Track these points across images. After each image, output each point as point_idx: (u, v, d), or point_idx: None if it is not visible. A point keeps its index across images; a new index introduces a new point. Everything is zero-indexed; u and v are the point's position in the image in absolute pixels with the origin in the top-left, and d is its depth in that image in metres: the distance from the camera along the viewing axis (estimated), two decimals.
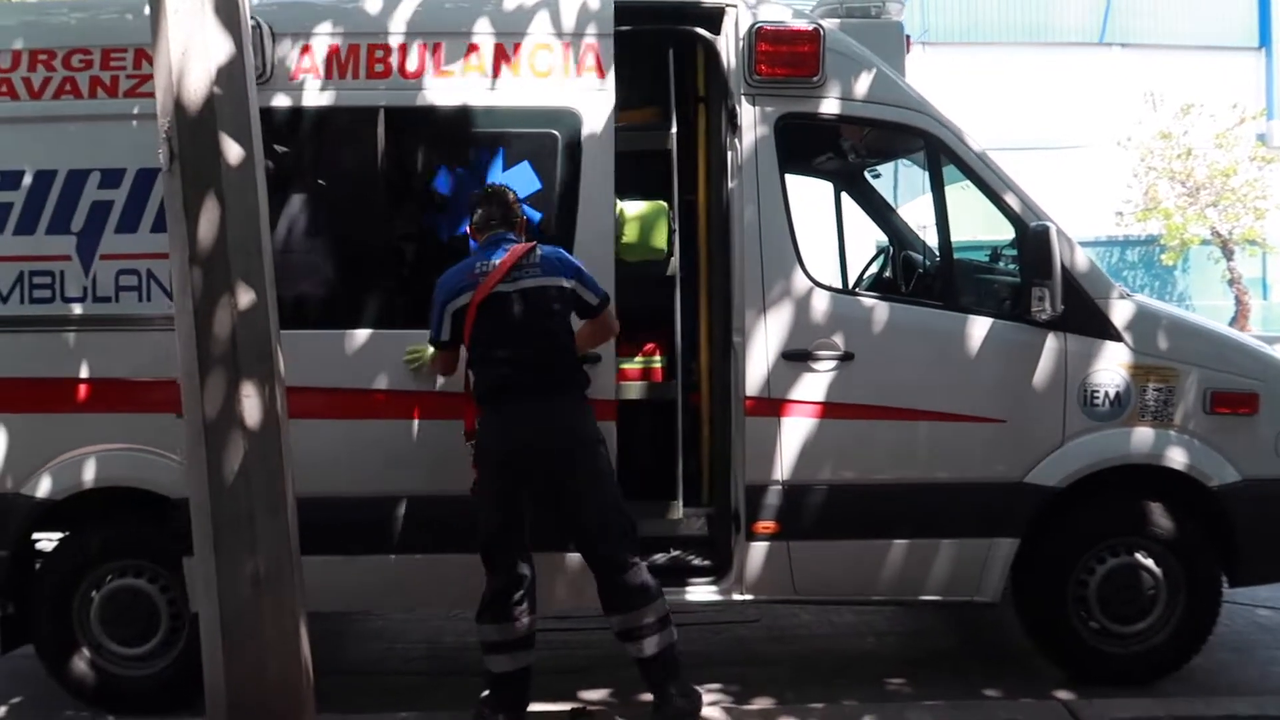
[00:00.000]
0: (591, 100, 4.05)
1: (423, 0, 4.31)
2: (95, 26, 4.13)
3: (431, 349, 4.00)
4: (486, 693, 3.99)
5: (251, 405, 3.60)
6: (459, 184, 4.12)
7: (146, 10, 3.79)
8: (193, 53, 3.56)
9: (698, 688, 4.16)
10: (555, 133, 4.11)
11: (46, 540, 4.33)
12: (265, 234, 3.64)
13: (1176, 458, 4.15)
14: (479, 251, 3.93)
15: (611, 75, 4.15)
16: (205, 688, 3.75)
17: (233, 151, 3.58)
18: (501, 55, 4.16)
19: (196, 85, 3.55)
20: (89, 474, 4.05)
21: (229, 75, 3.57)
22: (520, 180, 4.14)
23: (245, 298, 3.60)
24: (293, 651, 3.75)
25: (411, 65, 4.11)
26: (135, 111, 4.02)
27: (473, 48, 4.14)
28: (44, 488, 4.06)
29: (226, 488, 3.64)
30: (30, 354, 4.02)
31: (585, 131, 4.15)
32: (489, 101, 4.10)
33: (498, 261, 3.84)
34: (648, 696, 4.09)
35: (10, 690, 4.35)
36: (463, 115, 4.10)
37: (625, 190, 4.29)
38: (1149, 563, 4.25)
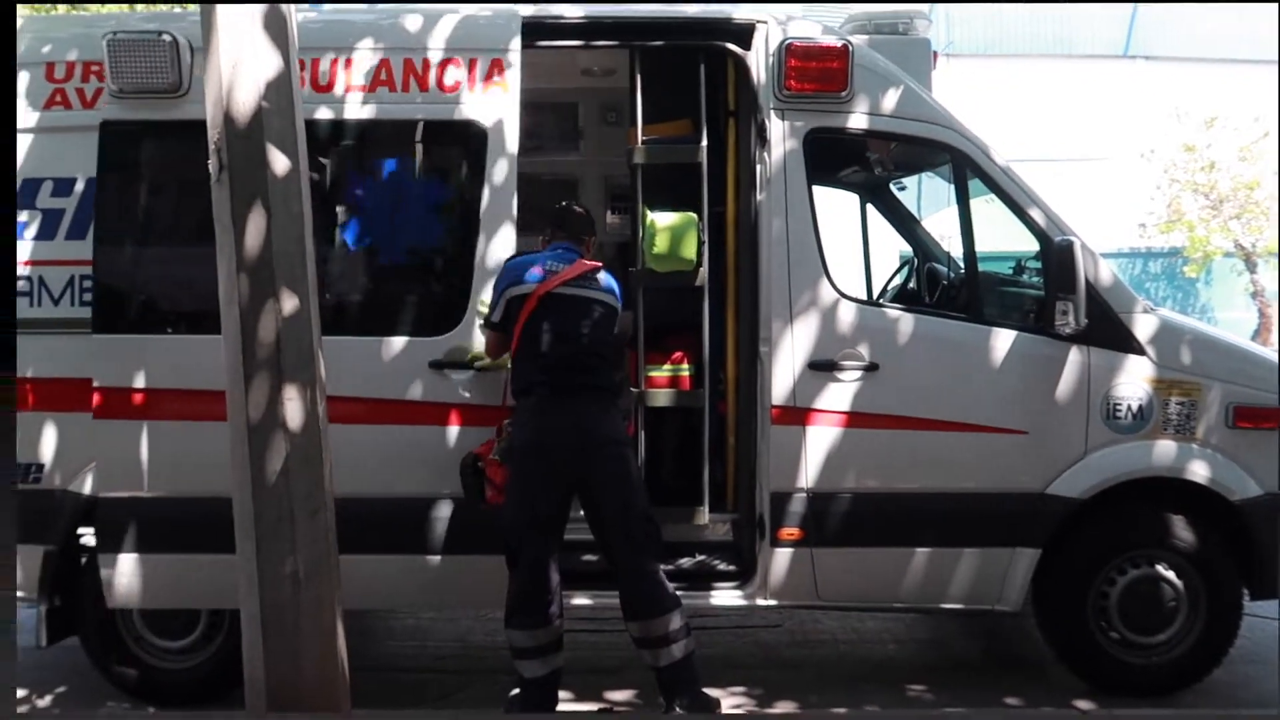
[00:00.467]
0: (494, 113, 4.06)
1: (336, 19, 4.37)
2: None
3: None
4: (516, 692, 4.02)
5: (294, 408, 3.65)
6: (369, 193, 4.17)
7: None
8: (242, 68, 3.61)
9: (719, 692, 4.19)
10: (461, 144, 4.14)
11: (91, 537, 4.29)
12: (309, 243, 3.68)
13: (1199, 471, 4.18)
14: (545, 252, 4.05)
15: (516, 89, 4.20)
16: (245, 681, 3.77)
17: (279, 163, 3.64)
18: (410, 70, 4.12)
19: (245, 99, 3.60)
20: None
21: (277, 89, 3.63)
22: (431, 189, 4.23)
23: (289, 304, 3.65)
24: (330, 647, 3.79)
25: (323, 79, 4.06)
26: None
27: (383, 63, 4.09)
28: (90, 485, 4.07)
29: (268, 488, 3.68)
30: (79, 355, 4.04)
31: (490, 143, 4.19)
32: (398, 115, 4.11)
33: (565, 266, 3.96)
34: None
35: (55, 680, 4.42)
36: (373, 127, 4.10)
37: (656, 202, 4.38)
38: (1170, 575, 4.22)
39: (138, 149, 4.32)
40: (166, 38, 4.15)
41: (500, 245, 4.21)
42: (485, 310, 4.16)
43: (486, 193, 4.21)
